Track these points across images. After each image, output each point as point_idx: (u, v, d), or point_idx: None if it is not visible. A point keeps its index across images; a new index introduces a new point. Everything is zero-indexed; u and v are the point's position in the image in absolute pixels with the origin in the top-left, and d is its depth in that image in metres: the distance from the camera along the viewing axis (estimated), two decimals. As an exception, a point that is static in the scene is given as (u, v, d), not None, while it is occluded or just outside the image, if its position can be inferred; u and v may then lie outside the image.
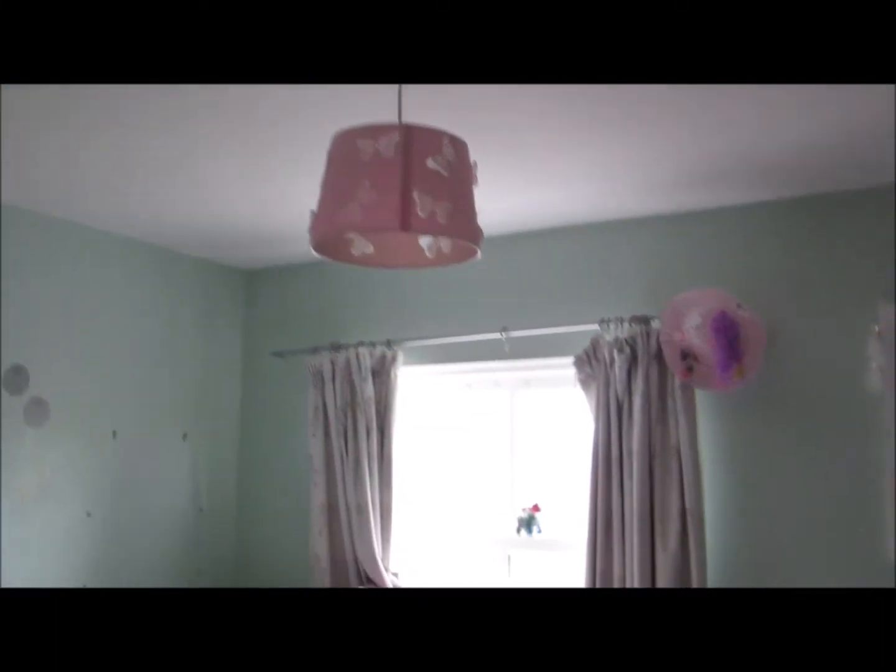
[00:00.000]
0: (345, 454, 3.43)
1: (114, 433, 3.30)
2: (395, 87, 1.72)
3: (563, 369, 3.12)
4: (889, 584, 2.55)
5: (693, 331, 2.64)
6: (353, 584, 3.29)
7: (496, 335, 3.17)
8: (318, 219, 1.58)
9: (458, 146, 1.56)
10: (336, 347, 3.51)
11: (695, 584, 2.70)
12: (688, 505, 2.75)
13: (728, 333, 2.60)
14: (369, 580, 3.29)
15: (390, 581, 3.26)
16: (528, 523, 3.32)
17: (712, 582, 2.72)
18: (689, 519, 2.74)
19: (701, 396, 2.82)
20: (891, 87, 2.00)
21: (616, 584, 2.82)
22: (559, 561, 3.44)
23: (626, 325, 2.92)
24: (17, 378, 2.90)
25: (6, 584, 2.84)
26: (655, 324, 2.86)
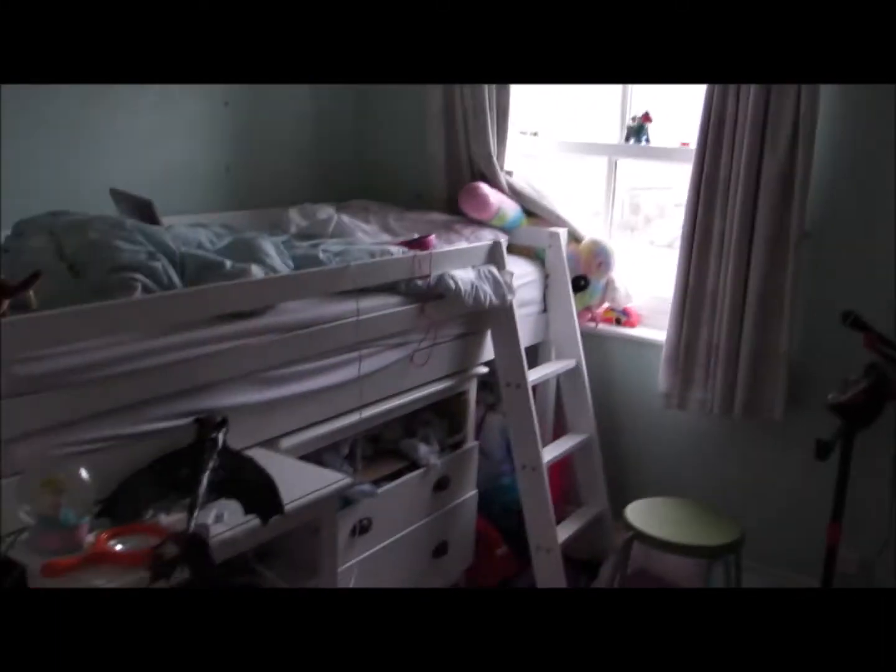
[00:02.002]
0: (464, 57, 3.52)
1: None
2: None
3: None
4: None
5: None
6: (467, 180, 3.54)
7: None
8: None
9: None
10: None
11: (797, 193, 2.87)
12: (802, 110, 2.83)
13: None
14: (483, 177, 3.55)
15: (503, 179, 3.52)
16: (637, 132, 3.47)
17: (814, 191, 2.88)
18: (801, 125, 2.84)
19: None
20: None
21: (720, 190, 3.01)
22: (665, 171, 3.63)
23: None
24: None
25: (158, 166, 3.15)
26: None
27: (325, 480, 2.16)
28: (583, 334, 3.41)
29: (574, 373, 3.39)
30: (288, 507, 1.97)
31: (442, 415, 3.06)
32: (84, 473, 1.77)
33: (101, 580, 1.68)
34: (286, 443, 2.37)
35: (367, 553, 2.66)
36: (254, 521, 1.92)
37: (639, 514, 2.76)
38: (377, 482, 2.70)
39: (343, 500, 2.52)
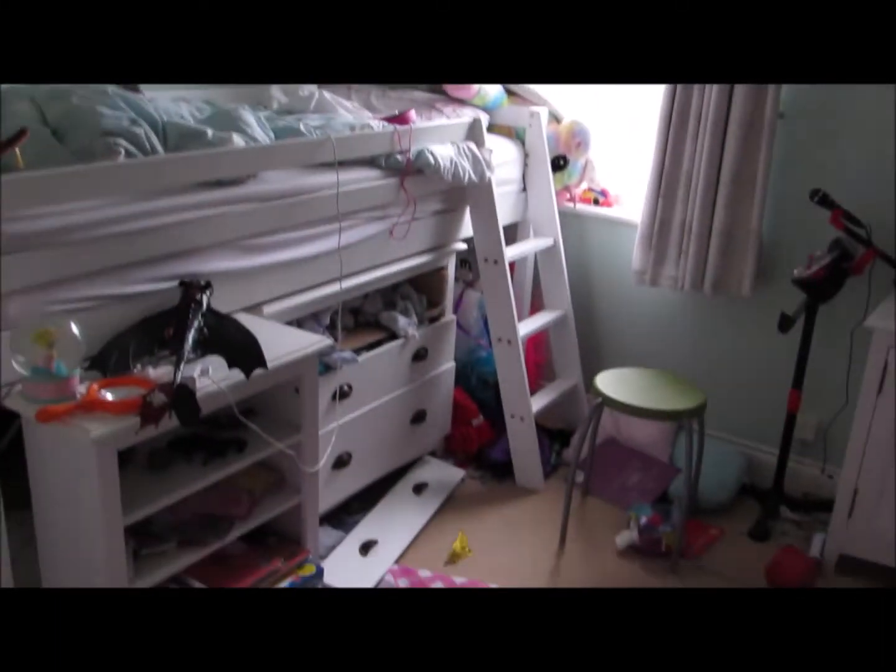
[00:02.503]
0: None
1: None
2: None
3: None
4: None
5: None
6: None
7: None
8: None
9: None
10: None
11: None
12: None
13: None
14: None
15: (486, 57, 3.51)
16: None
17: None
18: None
19: None
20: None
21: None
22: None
23: None
24: None
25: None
26: None
27: (306, 342, 2.26)
28: (561, 213, 3.48)
29: (551, 251, 3.47)
30: (270, 365, 2.07)
31: (421, 289, 3.15)
32: (74, 327, 1.87)
33: (95, 425, 1.79)
34: (268, 309, 2.46)
35: (347, 417, 2.79)
36: (238, 375, 2.03)
37: (608, 382, 2.89)
38: (357, 351, 2.81)
39: (324, 365, 2.64)
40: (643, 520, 2.96)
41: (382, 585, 2.67)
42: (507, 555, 2.91)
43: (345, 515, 2.97)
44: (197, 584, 2.11)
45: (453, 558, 2.86)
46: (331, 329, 2.74)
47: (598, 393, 2.83)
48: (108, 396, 1.88)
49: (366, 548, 2.80)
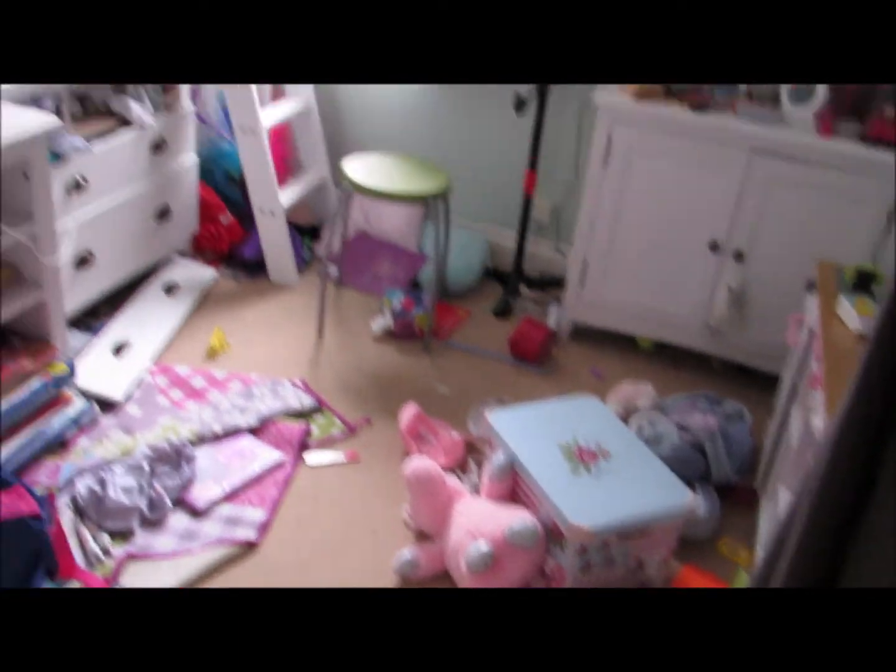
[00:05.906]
0: None
1: None
2: None
3: None
4: None
5: None
6: None
7: None
8: None
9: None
10: None
11: None
12: None
13: None
14: None
15: None
16: None
17: None
18: None
19: None
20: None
21: None
22: None
23: None
24: None
25: None
26: None
27: (31, 120, 2.06)
28: None
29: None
30: (-7, 143, 1.88)
31: (154, 77, 2.93)
32: None
33: None
34: (-19, 89, 2.20)
35: (85, 213, 2.61)
36: (-45, 153, 1.83)
37: (355, 168, 2.88)
38: (89, 140, 2.60)
39: (54, 155, 2.43)
40: (396, 305, 3.07)
41: (143, 386, 2.61)
42: (267, 348, 2.93)
43: (92, 320, 2.84)
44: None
45: (212, 354, 2.84)
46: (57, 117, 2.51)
47: (346, 178, 2.82)
48: None
49: (118, 349, 2.71)
